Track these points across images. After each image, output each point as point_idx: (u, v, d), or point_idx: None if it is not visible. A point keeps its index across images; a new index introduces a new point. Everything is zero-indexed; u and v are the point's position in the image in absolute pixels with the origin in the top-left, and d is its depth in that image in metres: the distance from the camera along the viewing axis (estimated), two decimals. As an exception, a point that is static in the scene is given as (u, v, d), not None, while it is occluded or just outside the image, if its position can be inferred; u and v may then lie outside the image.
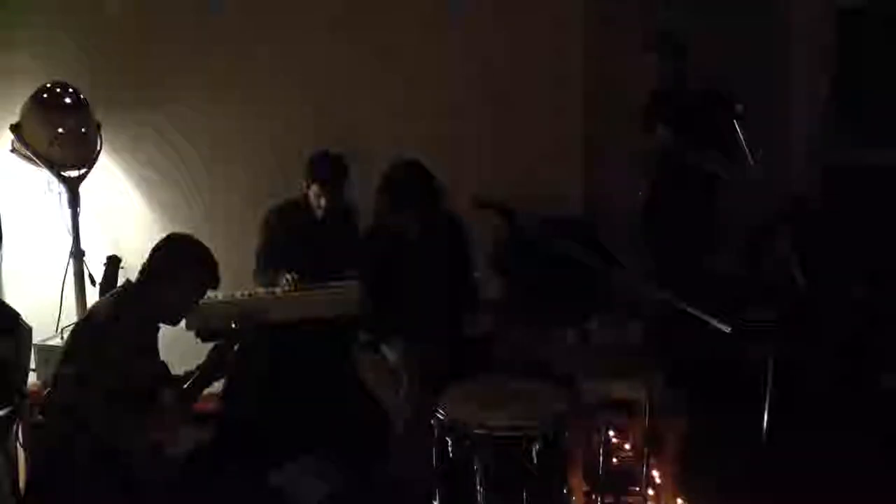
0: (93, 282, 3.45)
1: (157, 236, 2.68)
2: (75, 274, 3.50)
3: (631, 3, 4.57)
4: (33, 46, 3.74)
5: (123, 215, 4.00)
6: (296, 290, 3.55)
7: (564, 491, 2.74)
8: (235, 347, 2.77)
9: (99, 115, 3.55)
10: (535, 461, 2.55)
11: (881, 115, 4.63)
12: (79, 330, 2.58)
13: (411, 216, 3.22)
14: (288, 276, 3.56)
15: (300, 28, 4.14)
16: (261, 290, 3.62)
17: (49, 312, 3.44)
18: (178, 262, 2.60)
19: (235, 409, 3.43)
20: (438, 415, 2.65)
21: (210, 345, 2.78)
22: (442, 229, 3.36)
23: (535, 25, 4.46)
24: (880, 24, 4.67)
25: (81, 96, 3.44)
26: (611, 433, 3.09)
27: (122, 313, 2.51)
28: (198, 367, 2.67)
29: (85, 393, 2.38)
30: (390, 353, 3.18)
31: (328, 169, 3.64)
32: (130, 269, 2.81)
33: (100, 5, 3.86)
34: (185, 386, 2.64)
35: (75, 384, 2.41)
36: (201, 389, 2.67)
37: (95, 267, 3.43)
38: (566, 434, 2.68)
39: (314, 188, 3.64)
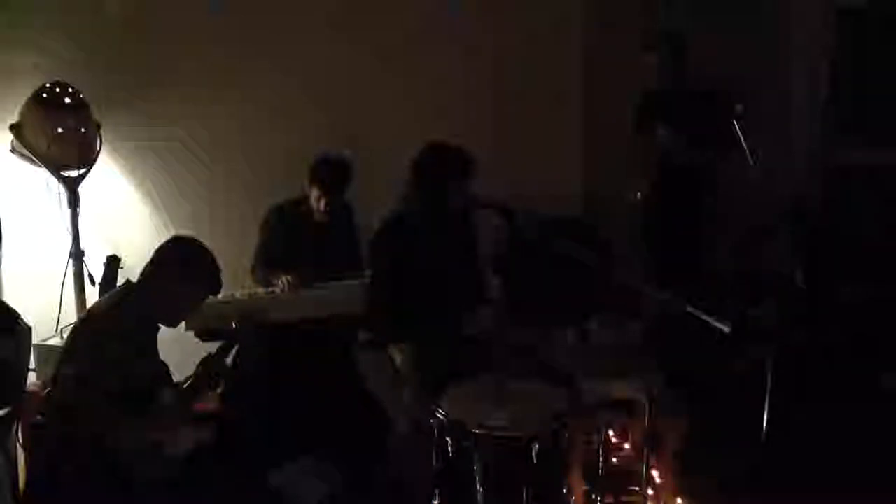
0: (93, 282, 3.45)
1: (157, 236, 2.69)
2: (75, 274, 3.50)
3: (631, 3, 4.57)
4: (33, 46, 3.73)
5: (123, 215, 4.00)
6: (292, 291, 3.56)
7: (564, 491, 2.74)
8: (230, 354, 2.77)
9: (99, 115, 3.55)
10: (535, 461, 2.55)
11: (881, 115, 4.63)
12: (79, 330, 2.58)
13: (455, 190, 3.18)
14: (285, 279, 3.57)
15: (300, 28, 4.14)
16: (261, 290, 3.63)
17: (49, 312, 3.44)
18: (180, 265, 2.59)
19: (235, 409, 3.43)
20: (438, 415, 2.65)
21: (209, 345, 2.79)
22: (459, 220, 3.34)
23: (535, 25, 4.46)
24: (880, 24, 4.67)
25: (81, 96, 3.44)
26: (611, 433, 3.09)
27: (122, 313, 2.51)
28: (188, 378, 2.67)
29: (85, 393, 2.38)
30: (397, 353, 3.17)
31: (329, 173, 3.64)
32: (130, 269, 2.80)
33: (100, 5, 3.86)
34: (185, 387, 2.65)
35: (75, 384, 2.41)
36: (195, 399, 2.67)
37: (95, 267, 3.43)
38: (566, 434, 2.68)
39: (315, 191, 3.65)
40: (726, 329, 2.44)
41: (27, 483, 2.63)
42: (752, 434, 3.31)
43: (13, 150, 3.43)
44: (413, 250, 3.20)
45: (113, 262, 3.28)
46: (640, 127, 4.32)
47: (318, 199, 3.65)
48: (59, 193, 3.47)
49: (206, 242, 2.67)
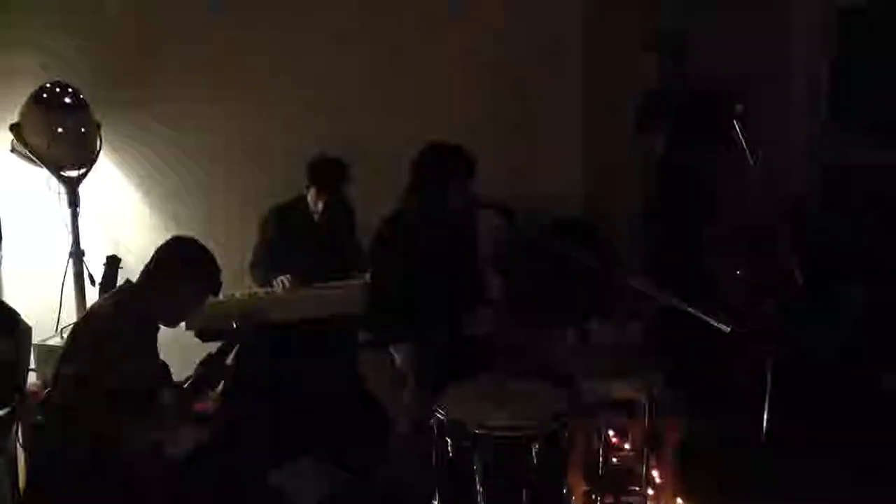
0: (93, 282, 3.45)
1: (157, 236, 2.69)
2: (75, 274, 3.50)
3: (631, 3, 4.57)
4: (33, 46, 3.73)
5: (123, 215, 4.00)
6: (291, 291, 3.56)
7: (564, 491, 2.74)
8: (230, 354, 2.78)
9: (99, 115, 3.55)
10: (535, 461, 2.55)
11: (880, 115, 4.63)
12: (79, 330, 2.58)
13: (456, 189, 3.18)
14: (282, 279, 3.58)
15: (299, 28, 4.14)
16: (261, 290, 3.63)
17: (49, 312, 3.44)
18: (180, 265, 2.59)
19: (235, 409, 3.43)
20: (438, 415, 2.66)
21: (209, 345, 2.78)
22: (459, 220, 3.35)
23: (535, 26, 4.46)
24: (880, 23, 4.67)
25: (81, 96, 3.44)
26: (611, 433, 3.09)
27: (122, 313, 2.51)
28: (188, 378, 2.67)
29: (85, 393, 2.38)
30: (397, 353, 3.17)
31: (325, 173, 3.65)
32: (130, 269, 2.80)
33: (100, 5, 3.86)
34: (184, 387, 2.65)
35: (75, 384, 2.41)
36: (195, 399, 2.67)
37: (95, 267, 3.43)
38: (566, 434, 2.67)
39: (312, 191, 3.66)
40: (726, 329, 2.44)
41: (27, 483, 2.63)
42: (753, 434, 3.31)
43: (13, 150, 3.43)
44: (413, 250, 3.20)
45: (113, 262, 3.28)
46: (640, 127, 4.32)
47: (316, 200, 3.66)
48: (59, 193, 3.47)
49: (206, 243, 2.67)
